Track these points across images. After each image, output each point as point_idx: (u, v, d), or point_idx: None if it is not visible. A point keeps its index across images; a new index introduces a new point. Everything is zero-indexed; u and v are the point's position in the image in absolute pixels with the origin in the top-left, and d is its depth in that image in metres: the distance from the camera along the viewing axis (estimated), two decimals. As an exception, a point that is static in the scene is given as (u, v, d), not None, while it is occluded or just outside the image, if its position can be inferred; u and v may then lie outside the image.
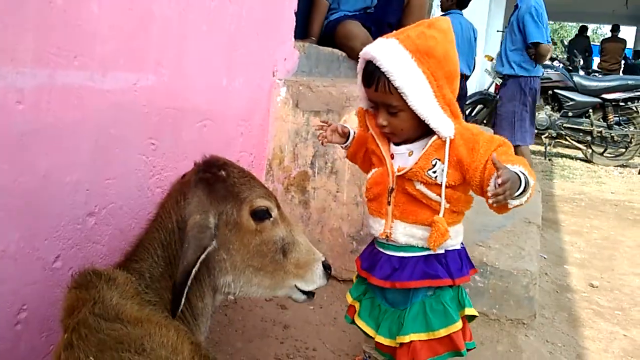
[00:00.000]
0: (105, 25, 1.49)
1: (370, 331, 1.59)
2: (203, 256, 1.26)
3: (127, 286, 1.17)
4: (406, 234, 1.52)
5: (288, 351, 1.96)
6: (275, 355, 1.93)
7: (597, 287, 3.05)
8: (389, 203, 1.51)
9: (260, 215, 1.39)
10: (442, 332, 1.49)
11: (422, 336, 1.50)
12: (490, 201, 1.32)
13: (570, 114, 7.39)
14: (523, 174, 1.32)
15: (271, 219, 1.42)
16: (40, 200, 1.39)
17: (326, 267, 1.53)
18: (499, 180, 1.26)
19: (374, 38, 3.51)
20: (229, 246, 1.35)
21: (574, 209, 4.87)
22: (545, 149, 7.38)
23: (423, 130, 1.47)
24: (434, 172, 1.45)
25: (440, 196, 1.45)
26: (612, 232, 4.17)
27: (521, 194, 1.32)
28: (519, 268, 2.30)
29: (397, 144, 1.53)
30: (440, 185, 1.44)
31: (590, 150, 7.51)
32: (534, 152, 7.80)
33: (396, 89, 1.39)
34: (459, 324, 1.51)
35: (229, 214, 1.35)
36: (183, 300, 1.23)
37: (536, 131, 7.41)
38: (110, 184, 1.61)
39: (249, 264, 1.39)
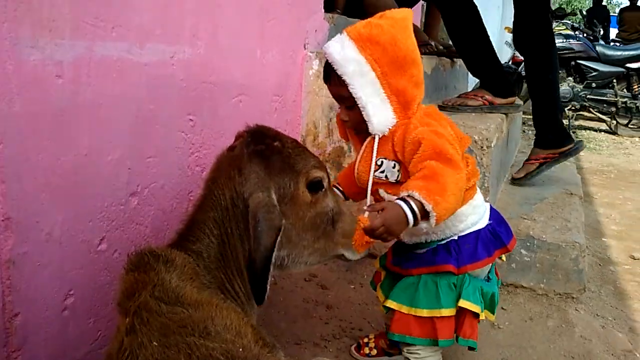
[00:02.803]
0: (141, -6, 1.41)
1: (382, 298, 1.55)
2: (279, 238, 1.19)
3: (186, 267, 1.10)
4: (407, 233, 1.44)
5: (334, 331, 1.90)
6: (321, 335, 1.87)
7: (638, 259, 2.96)
8: None
9: (316, 186, 1.33)
10: (425, 313, 1.41)
11: (403, 309, 1.43)
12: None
13: (593, 85, 7.20)
14: (410, 202, 1.20)
15: (323, 189, 1.36)
16: (83, 179, 1.32)
17: None
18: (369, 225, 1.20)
19: (401, 6, 3.41)
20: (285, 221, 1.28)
21: (605, 181, 4.76)
22: (569, 121, 7.19)
23: None
24: (382, 171, 1.36)
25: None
26: (646, 203, 4.07)
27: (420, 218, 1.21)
28: (567, 240, 2.22)
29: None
30: (401, 183, 1.31)
31: (614, 122, 7.32)
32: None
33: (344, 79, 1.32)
34: (445, 312, 1.41)
35: (286, 188, 1.27)
36: (268, 287, 1.18)
37: (559, 103, 7.28)
38: (151, 163, 1.53)
39: (302, 238, 1.33)
